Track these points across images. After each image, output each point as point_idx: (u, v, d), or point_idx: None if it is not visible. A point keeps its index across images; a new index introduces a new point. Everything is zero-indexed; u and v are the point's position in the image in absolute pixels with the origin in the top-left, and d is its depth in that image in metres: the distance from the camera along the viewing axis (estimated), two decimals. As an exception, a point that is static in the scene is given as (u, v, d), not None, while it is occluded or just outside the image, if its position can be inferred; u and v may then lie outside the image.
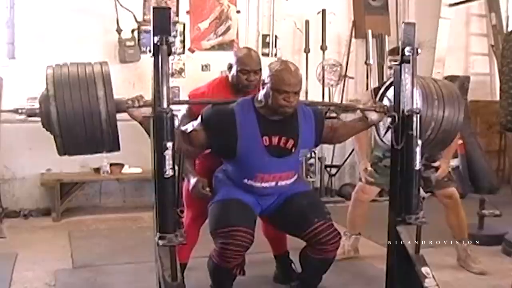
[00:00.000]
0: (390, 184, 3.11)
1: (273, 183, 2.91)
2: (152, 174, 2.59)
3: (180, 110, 3.17)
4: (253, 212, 2.95)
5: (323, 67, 6.09)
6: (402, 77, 2.93)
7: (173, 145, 2.47)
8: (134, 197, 5.68)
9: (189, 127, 2.84)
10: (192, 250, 3.32)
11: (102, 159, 5.26)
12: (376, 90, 3.52)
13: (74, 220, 5.12)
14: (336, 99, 6.22)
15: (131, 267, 3.78)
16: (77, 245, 4.29)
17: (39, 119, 2.52)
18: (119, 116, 2.56)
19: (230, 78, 3.19)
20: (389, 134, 3.08)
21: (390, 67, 3.73)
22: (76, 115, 2.46)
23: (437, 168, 3.69)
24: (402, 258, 2.97)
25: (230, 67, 3.19)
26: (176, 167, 2.49)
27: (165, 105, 2.46)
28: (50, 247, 4.25)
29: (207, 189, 2.96)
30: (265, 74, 2.81)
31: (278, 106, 2.76)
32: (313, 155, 5.98)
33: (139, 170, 5.45)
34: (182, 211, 2.53)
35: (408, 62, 2.90)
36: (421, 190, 3.31)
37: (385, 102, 3.12)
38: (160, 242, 2.50)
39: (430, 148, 3.17)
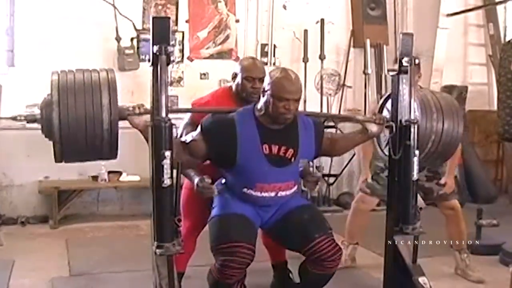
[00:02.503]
0: (387, 194, 3.11)
1: (272, 194, 2.86)
2: (150, 183, 2.58)
3: (183, 118, 3.17)
4: (253, 224, 2.89)
5: (321, 77, 6.10)
6: (400, 87, 2.94)
7: (171, 154, 2.47)
8: (132, 205, 5.67)
9: (189, 137, 2.82)
10: (190, 259, 3.32)
11: (100, 167, 5.26)
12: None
13: (72, 228, 5.11)
14: (334, 109, 6.23)
15: (128, 275, 3.77)
16: (74, 253, 4.28)
17: (38, 125, 2.51)
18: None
19: (234, 87, 3.19)
20: None
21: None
22: (79, 122, 2.43)
23: (443, 185, 3.69)
24: (399, 268, 2.98)
25: (234, 76, 3.19)
26: (174, 176, 2.49)
27: (163, 114, 2.46)
28: (47, 255, 4.25)
29: (211, 185, 2.83)
30: (266, 82, 2.80)
31: (278, 113, 2.74)
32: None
33: (137, 178, 5.44)
34: (180, 220, 2.52)
35: (406, 72, 2.91)
36: (420, 200, 3.31)
37: (385, 113, 3.11)
38: (158, 251, 2.50)
39: (431, 161, 3.16)
